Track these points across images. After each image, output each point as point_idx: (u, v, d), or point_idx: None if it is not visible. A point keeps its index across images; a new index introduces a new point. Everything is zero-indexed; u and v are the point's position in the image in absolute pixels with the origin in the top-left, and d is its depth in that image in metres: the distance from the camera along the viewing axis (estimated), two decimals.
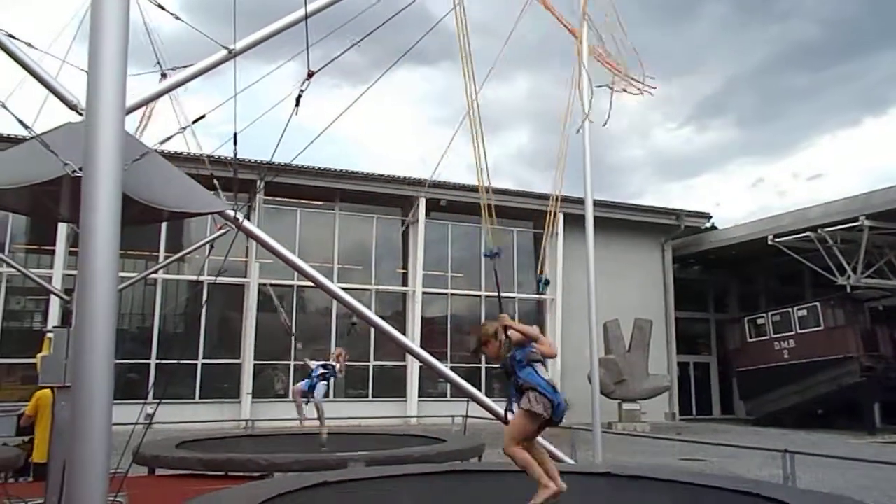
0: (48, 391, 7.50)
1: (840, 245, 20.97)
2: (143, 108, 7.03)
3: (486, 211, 5.86)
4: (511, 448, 4.28)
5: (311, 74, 5.33)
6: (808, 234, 21.16)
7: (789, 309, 23.89)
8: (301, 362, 10.14)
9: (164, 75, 6.15)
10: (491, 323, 4.70)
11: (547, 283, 6.17)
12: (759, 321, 24.93)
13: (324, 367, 9.48)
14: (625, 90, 7.67)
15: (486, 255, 5.30)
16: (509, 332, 4.46)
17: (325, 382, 9.47)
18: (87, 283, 2.03)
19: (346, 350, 10.31)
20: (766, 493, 5.02)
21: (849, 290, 21.34)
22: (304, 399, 9.50)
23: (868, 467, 9.72)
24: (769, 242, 22.32)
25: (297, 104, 5.25)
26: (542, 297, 24.10)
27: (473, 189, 23.21)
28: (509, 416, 4.48)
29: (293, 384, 20.71)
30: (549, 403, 4.25)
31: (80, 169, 2.51)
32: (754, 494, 5.09)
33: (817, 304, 23.01)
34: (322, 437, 9.48)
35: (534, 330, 4.51)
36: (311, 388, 9.44)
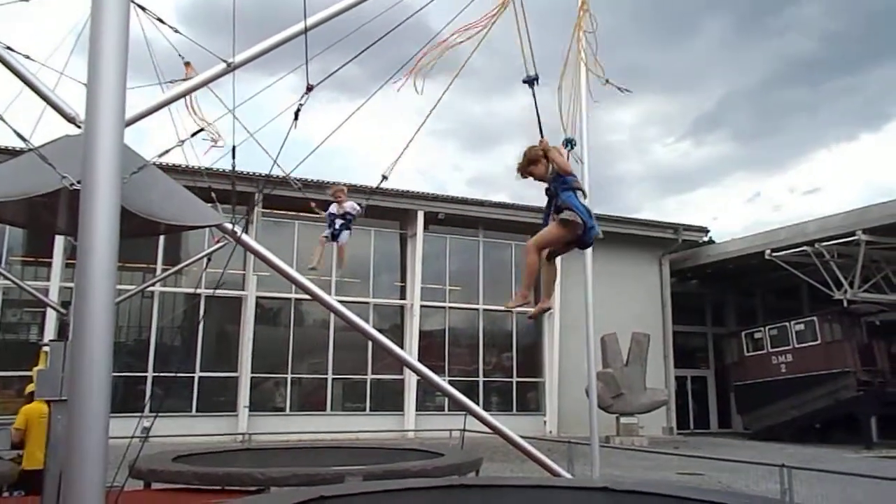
0: (35, 405, 7.59)
1: (837, 259, 21.01)
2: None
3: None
4: (532, 247, 4.56)
5: (310, 88, 5.34)
6: (805, 248, 21.21)
7: (787, 323, 23.89)
8: (316, 214, 9.59)
9: (187, 64, 6.13)
10: (533, 147, 4.81)
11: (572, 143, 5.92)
12: (757, 335, 24.93)
13: (343, 217, 8.95)
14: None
15: (524, 82, 5.27)
16: (551, 157, 4.66)
17: (349, 231, 9.11)
18: (85, 296, 2.03)
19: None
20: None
21: (846, 304, 21.37)
22: (327, 240, 9.15)
23: (865, 482, 9.69)
24: (766, 257, 22.37)
25: (296, 118, 5.27)
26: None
27: (471, 203, 23.25)
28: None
29: (290, 398, 20.78)
30: (583, 224, 4.50)
31: (79, 182, 2.51)
32: None
33: (814, 318, 23.02)
34: (339, 269, 9.23)
35: (569, 165, 4.74)
36: (335, 236, 9.04)
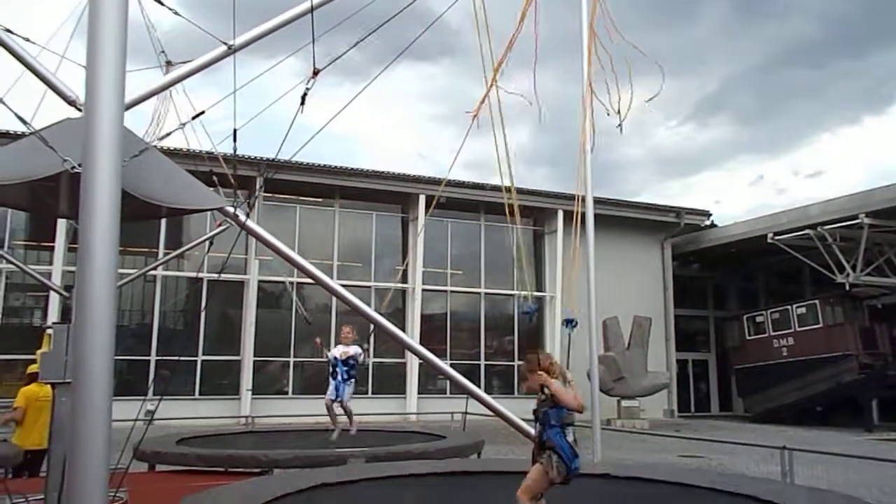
0: (34, 387, 7.71)
1: (839, 243, 20.97)
2: (154, 107, 7.02)
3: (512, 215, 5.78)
4: (523, 497, 4.56)
5: (316, 72, 5.31)
6: (807, 231, 21.16)
7: (788, 306, 23.90)
8: (325, 359, 9.61)
9: (169, 63, 6.13)
10: (542, 356, 4.82)
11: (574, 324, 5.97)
12: (759, 319, 24.95)
13: (345, 363, 9.03)
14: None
15: (524, 313, 5.35)
16: (552, 390, 4.61)
17: (352, 380, 9.16)
18: (87, 280, 2.03)
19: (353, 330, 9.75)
20: (765, 488, 5.03)
21: (848, 287, 21.35)
22: (333, 403, 9.19)
23: (866, 464, 9.73)
24: (769, 240, 22.33)
25: (303, 102, 5.24)
26: (542, 294, 24.11)
27: (473, 186, 23.20)
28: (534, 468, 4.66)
29: (293, 381, 20.86)
30: (565, 469, 4.53)
31: (80, 165, 2.50)
32: (753, 497, 5.11)
33: (816, 301, 23.01)
34: (351, 432, 9.34)
35: (567, 395, 4.61)
36: (338, 391, 9.08)
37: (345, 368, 9.00)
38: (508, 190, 6.06)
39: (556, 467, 4.49)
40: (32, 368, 8.23)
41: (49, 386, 7.20)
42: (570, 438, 4.62)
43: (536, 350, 4.87)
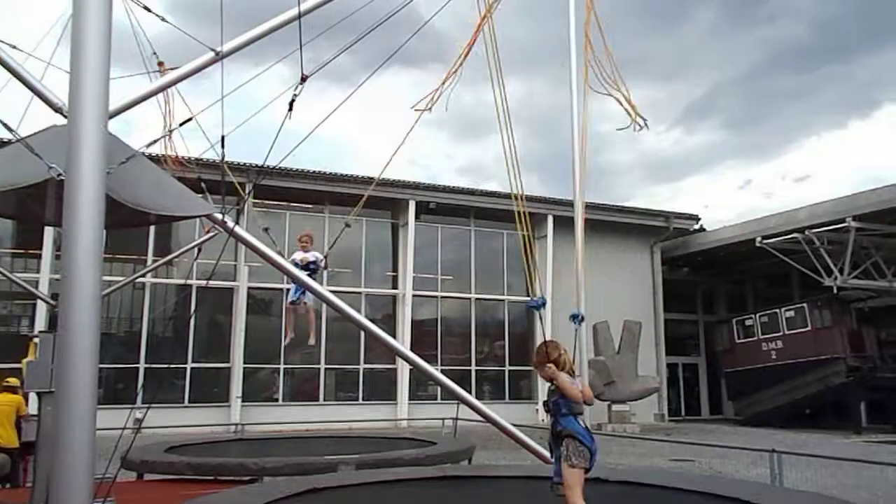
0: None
1: (827, 246, 21.10)
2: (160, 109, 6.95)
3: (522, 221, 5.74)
4: (575, 497, 4.38)
5: (304, 78, 5.31)
6: (795, 235, 21.27)
7: (777, 310, 24.00)
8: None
9: (160, 63, 6.10)
10: (550, 347, 4.73)
11: (580, 318, 5.93)
12: (748, 322, 25.05)
13: (305, 268, 8.57)
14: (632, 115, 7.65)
15: (530, 307, 5.33)
16: (558, 383, 4.56)
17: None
18: (71, 287, 2.01)
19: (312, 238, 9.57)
20: (752, 492, 5.04)
21: (835, 290, 21.47)
22: (295, 306, 9.00)
23: (855, 466, 9.78)
24: (757, 244, 22.43)
25: (291, 108, 5.23)
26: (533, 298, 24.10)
27: (462, 192, 23.21)
28: (556, 479, 4.57)
29: (283, 388, 20.78)
30: (588, 452, 4.47)
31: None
32: (744, 501, 5.12)
33: (804, 305, 23.13)
34: (311, 341, 9.17)
35: (574, 390, 4.55)
36: (301, 291, 8.90)
37: (306, 273, 8.82)
38: (517, 198, 6.04)
39: (578, 452, 4.43)
40: (11, 381, 8.29)
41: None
42: (584, 423, 4.60)
43: (547, 342, 4.75)
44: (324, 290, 7.81)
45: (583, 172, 7.87)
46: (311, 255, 8.77)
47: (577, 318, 5.57)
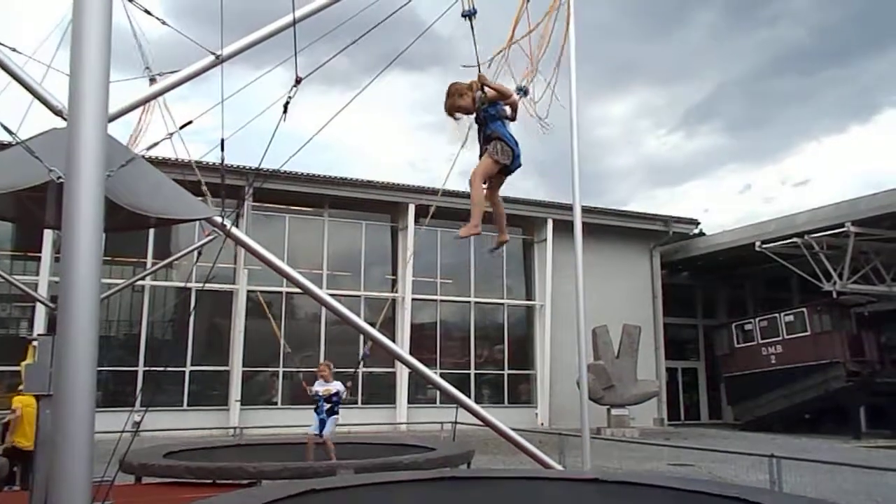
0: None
1: (826, 251, 21.12)
2: (137, 117, 7.00)
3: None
4: (476, 180, 4.78)
5: (298, 81, 5.32)
6: (794, 240, 21.30)
7: (776, 314, 24.01)
8: (310, 394, 9.53)
9: (152, 80, 6.12)
10: (462, 81, 4.95)
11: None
12: (747, 327, 25.06)
13: (328, 400, 9.02)
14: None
15: (463, 16, 5.29)
16: (486, 89, 4.78)
17: (335, 416, 9.17)
18: (69, 291, 2.01)
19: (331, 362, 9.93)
20: (754, 499, 5.03)
21: (835, 295, 21.49)
22: (315, 438, 9.13)
23: (854, 472, 9.78)
24: (756, 248, 22.46)
25: (286, 111, 5.24)
26: (532, 303, 24.15)
27: (463, 195, 23.29)
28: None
29: (282, 392, 20.76)
30: (511, 153, 4.78)
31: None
32: (742, 500, 5.10)
33: (804, 309, 23.15)
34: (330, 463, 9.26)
35: (507, 87, 4.92)
36: (322, 425, 9.07)
37: (327, 406, 9.03)
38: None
39: (502, 151, 4.71)
40: None
41: None
42: (510, 129, 4.86)
43: (455, 82, 4.98)
44: (323, 293, 7.80)
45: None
46: (334, 388, 9.04)
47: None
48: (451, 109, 4.93)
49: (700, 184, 71.35)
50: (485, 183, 4.84)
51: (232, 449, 10.92)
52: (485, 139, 4.82)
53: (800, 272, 22.36)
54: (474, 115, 4.92)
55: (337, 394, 9.09)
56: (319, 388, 9.18)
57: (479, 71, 4.93)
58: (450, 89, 4.92)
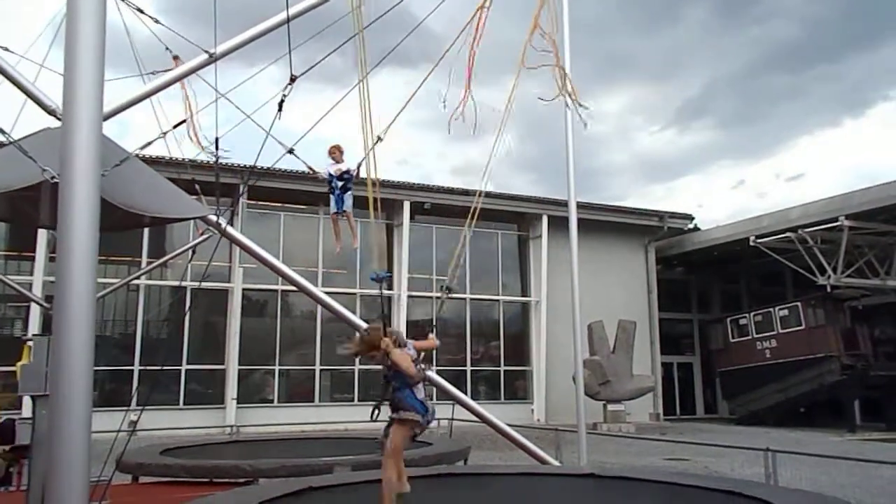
0: None
1: (820, 245, 21.18)
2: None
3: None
4: (391, 462, 4.76)
5: (293, 79, 5.32)
6: (788, 234, 21.35)
7: (771, 309, 24.09)
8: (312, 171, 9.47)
9: (175, 58, 6.08)
10: (376, 335, 4.91)
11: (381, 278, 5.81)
12: (742, 321, 25.13)
13: (340, 178, 8.99)
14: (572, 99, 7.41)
15: (372, 279, 5.39)
16: (393, 359, 4.74)
17: (349, 192, 9.11)
18: (65, 290, 2.01)
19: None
20: (748, 492, 5.06)
21: (829, 289, 21.55)
22: (338, 216, 9.13)
23: (849, 465, 9.82)
24: (751, 243, 22.50)
25: (280, 109, 5.24)
26: (528, 299, 24.17)
27: (458, 192, 23.24)
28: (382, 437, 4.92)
29: (278, 389, 20.75)
30: (420, 416, 4.80)
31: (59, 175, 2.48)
32: (737, 493, 5.14)
33: (798, 303, 23.21)
34: (354, 244, 9.28)
35: (408, 365, 4.74)
36: (341, 201, 9.05)
37: (340, 183, 8.91)
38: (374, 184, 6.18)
39: (412, 420, 4.73)
40: None
41: None
42: (420, 396, 4.84)
43: (368, 329, 5.11)
44: (318, 291, 7.81)
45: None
46: (344, 166, 8.94)
47: (378, 279, 5.58)
48: (365, 354, 4.96)
49: (694, 179, 71.51)
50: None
51: (228, 447, 10.93)
52: (392, 406, 4.83)
53: (794, 266, 22.42)
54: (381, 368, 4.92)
55: (348, 171, 9.01)
56: (331, 168, 9.11)
57: (385, 336, 4.83)
58: (364, 339, 4.96)
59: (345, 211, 8.88)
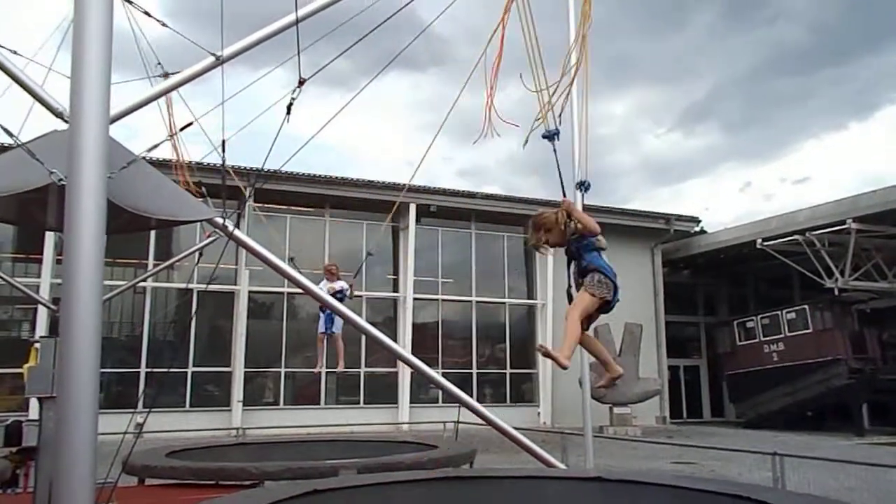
0: None
1: (827, 248, 21.10)
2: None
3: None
4: (574, 315, 4.31)
5: (302, 82, 5.31)
6: (795, 237, 21.28)
7: (778, 312, 24.00)
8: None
9: (166, 75, 6.11)
10: (550, 211, 4.63)
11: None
12: (749, 324, 25.05)
13: (333, 296, 9.04)
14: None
15: (544, 137, 5.16)
16: (577, 217, 4.51)
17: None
18: (72, 293, 2.01)
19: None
20: (756, 496, 5.02)
21: (836, 292, 21.47)
22: (325, 336, 9.21)
23: (857, 469, 9.76)
24: (758, 246, 22.45)
25: (289, 112, 5.23)
26: (534, 302, 24.14)
27: (463, 195, 23.18)
28: (572, 292, 4.56)
29: (284, 392, 20.77)
30: (612, 286, 4.43)
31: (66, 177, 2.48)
32: (745, 498, 5.10)
33: (806, 306, 23.13)
34: (339, 368, 9.35)
35: (592, 221, 4.55)
36: (331, 321, 9.13)
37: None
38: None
39: (601, 284, 4.38)
40: None
41: None
42: (607, 260, 4.55)
43: (541, 213, 4.67)
44: (325, 294, 7.79)
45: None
46: (338, 285, 9.09)
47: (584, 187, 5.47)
48: (539, 244, 4.64)
49: (700, 182, 71.40)
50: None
51: (234, 449, 10.93)
52: (580, 272, 4.48)
53: (801, 269, 22.35)
54: (564, 248, 4.59)
55: (341, 290, 9.13)
56: (325, 285, 9.18)
57: (566, 198, 4.62)
58: (536, 222, 4.62)
59: (333, 332, 8.93)
